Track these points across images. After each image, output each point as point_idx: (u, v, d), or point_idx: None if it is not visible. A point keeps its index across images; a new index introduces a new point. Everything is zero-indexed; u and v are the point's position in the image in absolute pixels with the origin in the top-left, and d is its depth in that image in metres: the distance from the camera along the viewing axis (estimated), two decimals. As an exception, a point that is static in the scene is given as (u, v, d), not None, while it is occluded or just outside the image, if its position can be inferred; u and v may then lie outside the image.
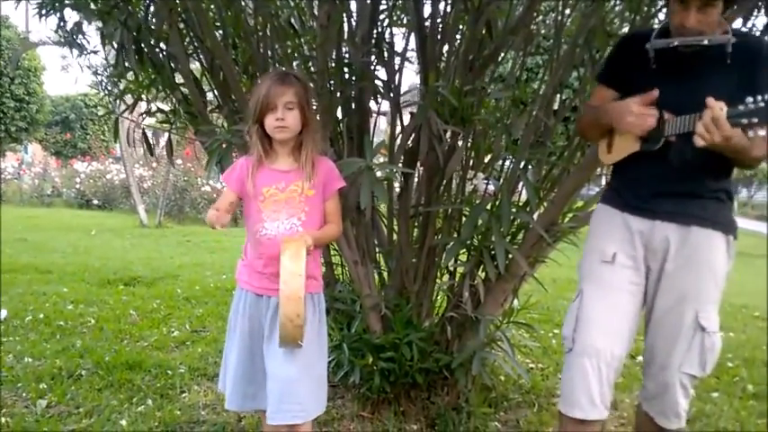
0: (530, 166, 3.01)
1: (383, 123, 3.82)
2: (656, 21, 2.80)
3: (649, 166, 1.90)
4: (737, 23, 2.58)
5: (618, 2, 2.96)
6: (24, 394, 2.92)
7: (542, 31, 3.72)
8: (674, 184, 1.89)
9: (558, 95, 3.13)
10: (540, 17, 3.19)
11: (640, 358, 2.62)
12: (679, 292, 1.89)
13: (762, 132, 1.61)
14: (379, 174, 2.24)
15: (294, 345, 1.89)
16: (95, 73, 3.72)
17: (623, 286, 1.94)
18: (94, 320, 4.20)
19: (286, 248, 1.83)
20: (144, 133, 3.07)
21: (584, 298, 1.97)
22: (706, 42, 1.78)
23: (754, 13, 2.64)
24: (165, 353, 3.57)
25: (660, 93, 1.83)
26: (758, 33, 2.72)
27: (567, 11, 3.00)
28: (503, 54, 3.05)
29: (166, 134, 3.17)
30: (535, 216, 2.75)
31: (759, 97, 1.59)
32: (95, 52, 3.24)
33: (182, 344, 3.76)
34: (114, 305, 4.66)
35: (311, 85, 2.67)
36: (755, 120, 1.60)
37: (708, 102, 1.65)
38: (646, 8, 2.80)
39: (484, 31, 2.76)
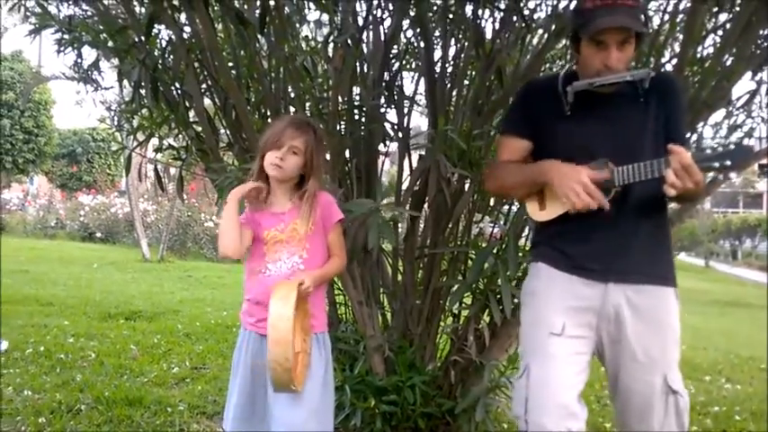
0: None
1: (387, 164, 3.85)
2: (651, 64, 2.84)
3: (590, 220, 1.76)
4: (747, 75, 2.64)
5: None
6: (23, 428, 2.88)
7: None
8: (619, 238, 1.81)
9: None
10: (548, 64, 3.24)
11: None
12: (645, 360, 1.81)
13: (733, 175, 1.61)
14: (386, 215, 2.26)
15: (289, 389, 1.85)
16: (108, 109, 3.78)
17: (571, 359, 1.81)
18: (95, 354, 4.16)
19: (276, 291, 1.83)
20: (156, 169, 3.11)
21: (531, 375, 1.82)
22: (629, 78, 1.74)
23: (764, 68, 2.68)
24: (165, 389, 3.53)
25: (580, 139, 1.80)
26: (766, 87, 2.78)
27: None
28: (511, 99, 3.10)
29: (173, 170, 3.20)
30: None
31: (725, 141, 1.60)
32: (110, 88, 3.31)
33: (181, 380, 3.72)
34: (115, 339, 4.63)
35: (322, 126, 2.72)
36: (728, 162, 1.58)
37: (673, 149, 1.60)
38: (653, 58, 2.85)
39: (493, 78, 2.80)
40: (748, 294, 13.38)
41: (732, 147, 1.60)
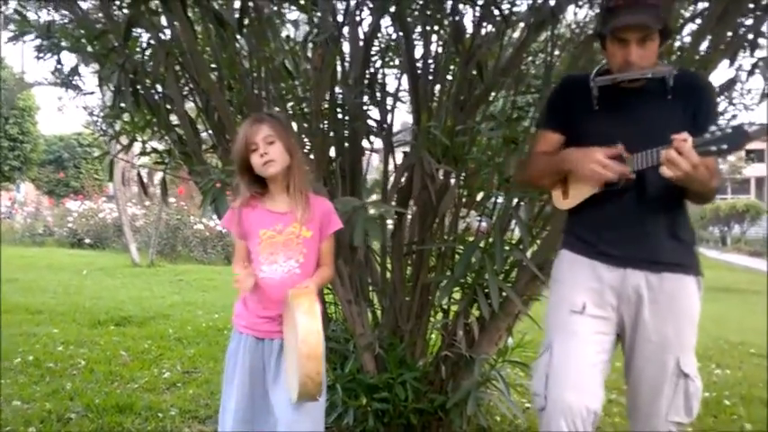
0: (522, 204, 3.04)
1: (375, 160, 3.86)
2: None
3: (610, 207, 1.86)
4: (724, 64, 2.66)
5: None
6: (13, 438, 2.86)
7: (532, 71, 3.79)
8: (638, 225, 1.86)
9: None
10: (530, 58, 3.25)
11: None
12: (659, 341, 1.86)
13: (731, 158, 1.63)
14: (372, 212, 2.26)
15: (312, 400, 1.87)
16: (91, 114, 3.76)
17: (593, 338, 1.88)
18: (85, 362, 4.14)
19: (299, 304, 1.81)
20: (138, 174, 3.09)
21: (553, 352, 1.89)
22: (650, 75, 1.80)
23: (739, 54, 2.71)
24: (156, 395, 3.52)
25: (606, 131, 1.84)
26: (745, 74, 2.80)
27: (557, 51, 3.06)
28: (494, 94, 3.11)
29: (159, 174, 3.19)
30: (528, 254, 2.76)
31: (723, 124, 1.62)
32: (91, 93, 3.29)
33: (173, 385, 3.71)
34: (105, 346, 4.60)
35: (305, 125, 2.71)
36: (725, 146, 1.61)
37: (673, 137, 1.65)
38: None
39: (474, 72, 2.81)
40: (738, 280, 13.46)
41: (728, 130, 1.61)
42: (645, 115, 1.85)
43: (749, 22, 2.59)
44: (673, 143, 1.64)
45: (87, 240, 14.14)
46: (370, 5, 2.81)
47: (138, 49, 2.85)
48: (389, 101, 2.96)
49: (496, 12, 2.75)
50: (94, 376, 3.81)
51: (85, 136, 20.67)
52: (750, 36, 2.63)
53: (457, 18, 2.72)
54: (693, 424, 3.24)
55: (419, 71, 2.86)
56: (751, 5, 2.54)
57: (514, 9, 2.91)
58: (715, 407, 3.62)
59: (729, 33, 2.55)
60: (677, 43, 2.78)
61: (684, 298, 1.89)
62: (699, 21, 2.68)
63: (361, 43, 2.86)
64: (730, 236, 28.60)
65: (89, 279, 8.74)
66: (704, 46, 2.54)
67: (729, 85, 2.88)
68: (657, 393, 1.87)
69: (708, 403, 3.66)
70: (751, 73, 2.80)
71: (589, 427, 1.83)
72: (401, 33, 2.84)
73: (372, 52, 2.94)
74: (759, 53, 2.71)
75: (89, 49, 2.89)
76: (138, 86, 2.67)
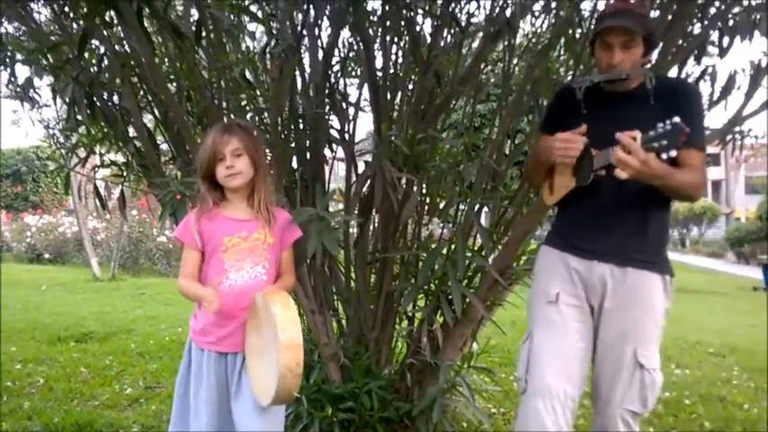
0: (484, 211, 3.07)
1: (342, 170, 3.86)
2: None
3: (587, 203, 1.99)
4: (674, 71, 2.73)
5: (561, 53, 3.09)
6: (-32, 461, 2.78)
7: (491, 80, 3.85)
8: (609, 220, 1.97)
9: (510, 141, 3.22)
10: (489, 67, 3.29)
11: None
12: (619, 330, 1.95)
13: (673, 154, 1.70)
14: (332, 222, 2.25)
15: (289, 399, 1.84)
16: (47, 127, 3.68)
17: (570, 325, 1.98)
18: (44, 380, 4.04)
19: (273, 300, 1.80)
20: (95, 187, 3.04)
21: (533, 339, 2.01)
22: (624, 77, 1.91)
23: (689, 62, 2.79)
24: (118, 411, 3.45)
25: (591, 133, 1.93)
26: (694, 80, 2.88)
27: (515, 60, 3.11)
28: (454, 102, 3.14)
29: (119, 186, 3.14)
30: (490, 260, 2.79)
31: (668, 121, 1.68)
32: (47, 106, 3.23)
33: (135, 401, 3.65)
34: (65, 363, 4.50)
35: (266, 136, 2.71)
36: (664, 142, 1.69)
37: (619, 137, 1.74)
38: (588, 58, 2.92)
39: (434, 82, 2.84)
40: (696, 281, 13.79)
41: (668, 127, 1.68)
42: (627, 118, 1.92)
43: (697, 31, 2.67)
44: (620, 139, 1.73)
45: (47, 255, 13.81)
46: (329, 17, 2.81)
47: (93, 62, 2.81)
48: (351, 110, 2.97)
49: (454, 22, 2.78)
50: (54, 394, 3.72)
51: (44, 149, 20.18)
52: (698, 45, 2.70)
53: (415, 28, 2.74)
54: (654, 423, 3.33)
55: (379, 81, 2.88)
56: (698, 15, 2.62)
57: (472, 20, 2.94)
58: (675, 406, 3.70)
59: (679, 42, 2.62)
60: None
61: (647, 293, 1.96)
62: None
63: (321, 54, 2.87)
64: (689, 238, 29.26)
65: (48, 295, 8.53)
66: (654, 54, 2.60)
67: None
68: (615, 381, 1.96)
69: (668, 402, 3.74)
70: (700, 80, 2.88)
71: (568, 412, 1.91)
72: (361, 44, 2.85)
73: (333, 62, 2.94)
74: (707, 61, 2.80)
75: (43, 61, 2.84)
76: (94, 98, 2.63)
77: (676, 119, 1.68)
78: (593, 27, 2.05)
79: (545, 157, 2.04)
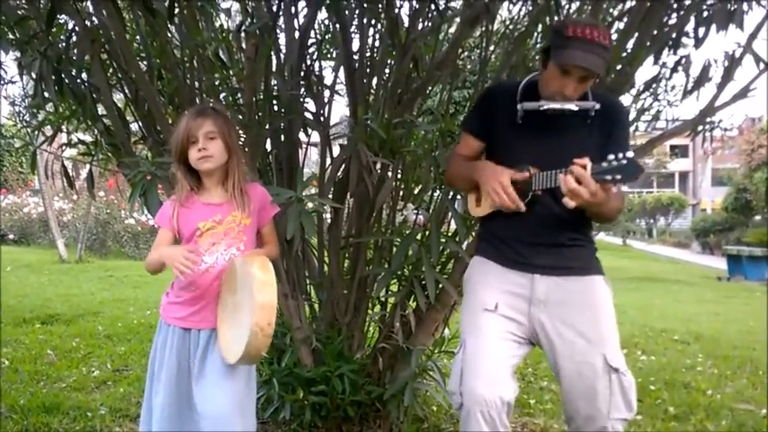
0: (458, 197, 3.07)
1: (314, 155, 3.83)
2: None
3: (520, 219, 1.92)
4: (649, 61, 2.76)
5: (538, 40, 3.09)
6: (-71, 444, 2.72)
7: (468, 67, 3.84)
8: (546, 237, 1.95)
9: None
10: (466, 53, 3.28)
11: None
12: (579, 339, 1.90)
13: (624, 187, 1.71)
14: (309, 205, 2.24)
15: (256, 359, 1.86)
16: (12, 103, 3.57)
17: (504, 335, 1.92)
18: (9, 362, 3.97)
19: (252, 261, 1.81)
20: (63, 166, 2.96)
21: (466, 349, 1.92)
22: (575, 108, 1.86)
23: (663, 52, 2.81)
24: (85, 394, 3.40)
25: (525, 149, 1.92)
26: (669, 71, 2.91)
27: (492, 47, 3.11)
28: (430, 88, 3.13)
29: (88, 166, 3.07)
30: (464, 246, 2.80)
31: (621, 155, 1.68)
32: (13, 82, 3.13)
33: (102, 384, 3.60)
34: (30, 345, 4.42)
35: (240, 117, 2.66)
36: (618, 176, 1.69)
37: (571, 168, 1.71)
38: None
39: (411, 66, 2.82)
40: (663, 270, 14.07)
41: (624, 161, 1.68)
42: (564, 135, 1.92)
43: (673, 21, 2.69)
44: (572, 170, 1.71)
45: (11, 236, 13.54)
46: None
47: (62, 37, 2.73)
48: (326, 93, 2.94)
49: (432, 6, 2.76)
50: (19, 376, 3.66)
51: (8, 127, 19.70)
52: (673, 35, 2.73)
53: (393, 12, 2.71)
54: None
55: (356, 64, 2.85)
56: (674, 5, 2.64)
57: (450, 4, 2.92)
58: (640, 392, 3.74)
59: (654, 32, 2.64)
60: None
61: (595, 294, 1.96)
62: (625, 19, 2.76)
63: (297, 34, 2.83)
64: (656, 228, 29.80)
65: (13, 276, 8.36)
66: (630, 44, 2.62)
67: (654, 81, 2.98)
68: (593, 394, 1.88)
69: (634, 388, 3.81)
70: (674, 70, 2.91)
71: (504, 417, 1.86)
72: (338, 25, 2.82)
73: (309, 44, 2.90)
74: (682, 51, 2.83)
75: (9, 35, 2.75)
76: (62, 75, 2.55)
77: (630, 153, 1.67)
78: (555, 42, 1.85)
79: (477, 179, 1.97)
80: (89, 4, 2.62)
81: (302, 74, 2.85)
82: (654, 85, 3.04)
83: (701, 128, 2.94)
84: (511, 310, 1.94)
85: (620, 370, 1.88)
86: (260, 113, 2.77)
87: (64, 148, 3.11)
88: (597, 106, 1.88)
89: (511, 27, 3.12)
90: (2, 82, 3.15)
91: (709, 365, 4.59)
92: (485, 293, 1.98)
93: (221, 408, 1.90)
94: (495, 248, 2.02)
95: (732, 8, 2.50)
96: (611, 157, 1.69)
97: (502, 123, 1.98)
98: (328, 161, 2.93)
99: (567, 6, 2.92)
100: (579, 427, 1.94)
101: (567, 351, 1.91)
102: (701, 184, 37.27)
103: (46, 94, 2.57)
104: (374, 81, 2.93)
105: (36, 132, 3.24)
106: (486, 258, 2.05)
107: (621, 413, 1.89)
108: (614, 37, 2.77)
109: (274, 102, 2.83)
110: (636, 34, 2.60)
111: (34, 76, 2.58)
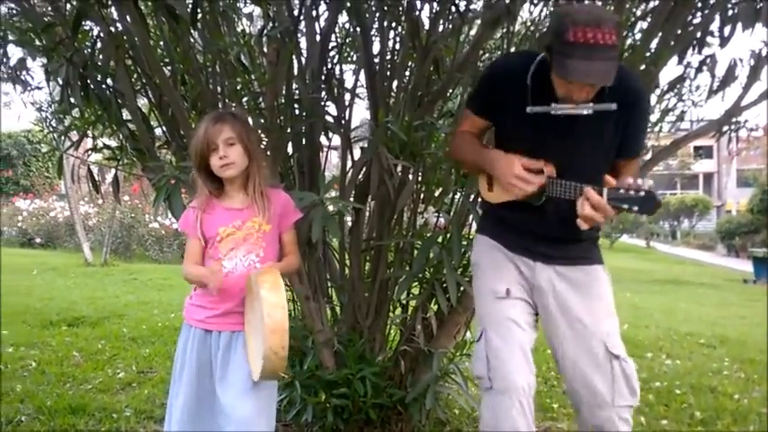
0: (479, 200, 3.06)
1: (335, 158, 3.85)
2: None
3: (531, 213, 1.93)
4: (673, 61, 2.73)
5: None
6: (-41, 444, 2.77)
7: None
8: (554, 232, 1.95)
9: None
10: (487, 55, 3.27)
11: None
12: (579, 326, 1.91)
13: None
14: (330, 208, 2.25)
15: (275, 377, 1.90)
16: (39, 109, 3.64)
17: (522, 318, 1.95)
18: (36, 363, 4.03)
19: (263, 281, 1.81)
20: (89, 170, 3.01)
21: (488, 338, 1.94)
22: (589, 112, 1.74)
23: (688, 52, 2.78)
24: (110, 395, 3.45)
25: (534, 137, 1.86)
26: (693, 71, 2.88)
27: (513, 49, 3.09)
28: (451, 90, 3.12)
29: (113, 170, 3.11)
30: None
31: (641, 182, 1.68)
32: (39, 88, 3.19)
33: (128, 385, 3.64)
34: (57, 347, 4.48)
35: (262, 121, 2.68)
36: (635, 208, 1.70)
37: (586, 192, 1.72)
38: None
39: (432, 68, 2.82)
40: (687, 272, 13.88)
41: (642, 193, 1.67)
42: (573, 132, 1.84)
43: (697, 20, 2.66)
44: (588, 196, 1.71)
45: (38, 240, 13.76)
46: (327, 1, 2.79)
47: (87, 43, 2.77)
48: (347, 96, 2.95)
49: (453, 8, 2.76)
50: (46, 378, 3.71)
51: (35, 133, 20.03)
52: (698, 34, 2.69)
53: (414, 14, 2.71)
54: (646, 413, 3.35)
55: (377, 67, 2.86)
56: (699, 4, 2.61)
57: (471, 6, 2.92)
58: (666, 396, 3.72)
59: (678, 31, 2.61)
60: (628, 41, 2.84)
61: (594, 281, 1.97)
62: (649, 19, 2.74)
63: (318, 38, 2.84)
64: (680, 230, 29.41)
65: (40, 279, 8.50)
66: (654, 43, 2.60)
67: (678, 81, 2.95)
68: (595, 383, 1.90)
69: (659, 392, 3.77)
70: (699, 70, 2.87)
71: (531, 400, 1.90)
72: (358, 29, 2.83)
73: (329, 47, 2.92)
74: (707, 50, 2.79)
75: (36, 42, 2.80)
76: (88, 80, 2.60)
77: (649, 183, 1.69)
78: (555, 43, 1.68)
79: (489, 170, 1.97)
80: (114, 10, 2.66)
81: (323, 77, 2.87)
82: (678, 86, 3.01)
83: (726, 128, 2.90)
84: (521, 292, 1.98)
85: (621, 357, 1.90)
86: (282, 117, 2.79)
87: (89, 152, 3.16)
88: (614, 107, 1.75)
89: (532, 28, 3.10)
90: (29, 88, 3.21)
91: (735, 369, 4.52)
92: (495, 281, 1.99)
93: (248, 411, 1.92)
94: (501, 233, 2.03)
95: (758, 6, 2.46)
96: (630, 182, 1.68)
97: (510, 109, 1.87)
98: (349, 164, 2.94)
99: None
100: (586, 418, 1.95)
101: (567, 336, 1.93)
102: (726, 185, 36.73)
103: (72, 100, 2.62)
104: (395, 84, 2.94)
105: (62, 137, 3.29)
106: (491, 240, 2.05)
107: (626, 400, 1.90)
108: (638, 37, 2.75)
109: (296, 105, 2.85)
110: (660, 34, 2.57)
111: (60, 81, 2.62)
